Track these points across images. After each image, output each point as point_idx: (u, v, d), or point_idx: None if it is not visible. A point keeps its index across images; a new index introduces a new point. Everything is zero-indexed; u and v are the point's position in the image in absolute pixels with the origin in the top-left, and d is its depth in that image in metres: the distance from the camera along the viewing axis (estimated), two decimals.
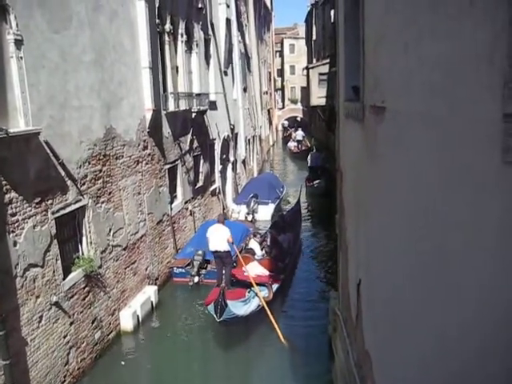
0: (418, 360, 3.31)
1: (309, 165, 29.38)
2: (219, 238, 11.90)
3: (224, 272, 12.15)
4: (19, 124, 7.55)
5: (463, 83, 2.27)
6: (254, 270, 12.02)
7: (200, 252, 13.60)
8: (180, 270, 13.84)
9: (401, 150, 3.55)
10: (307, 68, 41.17)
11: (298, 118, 62.33)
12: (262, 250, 13.90)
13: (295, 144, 43.32)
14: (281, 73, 68.33)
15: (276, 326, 10.66)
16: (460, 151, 2.35)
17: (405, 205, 3.50)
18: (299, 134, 44.63)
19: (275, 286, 12.19)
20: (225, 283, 11.74)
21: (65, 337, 8.76)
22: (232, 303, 10.24)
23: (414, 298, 3.31)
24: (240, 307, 10.60)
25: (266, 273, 12.36)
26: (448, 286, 2.61)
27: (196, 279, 13.49)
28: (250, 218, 19.70)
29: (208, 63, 18.96)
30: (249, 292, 11.47)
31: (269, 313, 10.77)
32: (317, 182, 24.65)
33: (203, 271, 13.71)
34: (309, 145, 41.86)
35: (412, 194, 3.27)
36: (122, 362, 9.87)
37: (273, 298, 11.74)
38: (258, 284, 11.47)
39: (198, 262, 13.55)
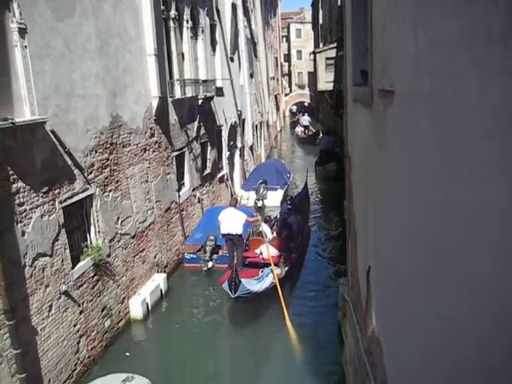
0: (425, 346, 3.28)
1: (320, 148, 29.25)
2: (232, 221, 12.08)
3: (236, 254, 12.34)
4: (25, 113, 7.52)
5: (474, 67, 2.19)
6: (266, 251, 12.19)
7: (212, 237, 13.76)
8: (191, 255, 13.95)
9: (409, 134, 3.47)
10: (314, 53, 40.74)
11: (306, 103, 62.09)
12: (272, 233, 14.04)
13: (302, 129, 43.20)
14: (288, 58, 67.86)
15: (285, 307, 10.85)
16: (469, 137, 2.28)
17: (412, 191, 3.44)
18: (305, 119, 44.56)
19: (288, 265, 12.42)
20: (237, 264, 11.88)
21: (75, 325, 8.80)
22: (246, 280, 10.45)
23: (421, 285, 3.27)
24: (254, 284, 10.78)
25: (278, 253, 12.59)
26: (454, 274, 2.57)
27: (210, 264, 13.59)
28: (259, 204, 19.68)
29: (214, 49, 18.82)
30: (262, 271, 11.67)
31: (280, 293, 10.97)
32: (328, 165, 24.60)
33: (215, 256, 13.84)
34: (314, 130, 41.80)
35: (420, 181, 3.21)
36: (127, 353, 9.84)
37: (284, 278, 11.93)
38: (269, 264, 11.68)
39: (210, 248, 13.70)
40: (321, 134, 37.09)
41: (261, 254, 12.56)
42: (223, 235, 12.42)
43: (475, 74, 2.17)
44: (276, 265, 11.86)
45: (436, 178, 2.84)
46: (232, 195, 19.99)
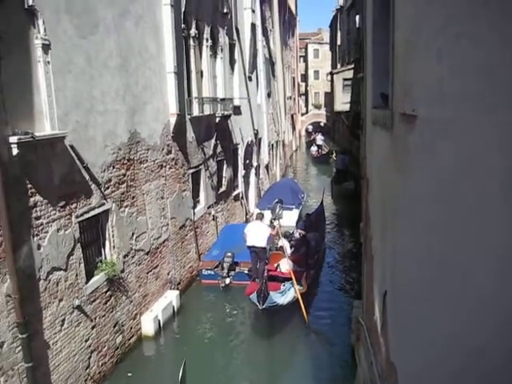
0: (446, 373, 3.20)
1: (336, 167, 29.41)
2: (257, 235, 12.56)
3: (258, 266, 12.70)
4: (45, 128, 7.59)
5: (502, 91, 2.16)
6: (286, 265, 12.41)
7: (229, 254, 13.94)
8: (209, 271, 14.06)
9: (431, 160, 3.43)
10: (331, 73, 40.95)
11: (322, 123, 62.23)
12: (291, 248, 14.18)
13: (316, 148, 43.49)
14: (305, 78, 68.21)
15: (305, 313, 11.34)
16: (495, 162, 2.24)
17: (433, 216, 3.39)
18: (319, 139, 45.05)
19: (308, 281, 12.69)
20: (260, 276, 12.19)
21: (86, 340, 8.77)
22: (273, 293, 10.77)
23: (439, 310, 3.21)
24: (279, 297, 11.11)
25: (298, 268, 12.80)
26: (471, 298, 2.52)
27: (227, 281, 13.69)
28: (276, 223, 19.56)
29: (232, 68, 18.95)
30: (284, 285, 11.91)
31: (302, 304, 11.35)
32: (346, 183, 24.75)
33: (232, 273, 13.92)
34: (327, 149, 42.21)
35: (441, 206, 3.16)
36: (129, 374, 9.70)
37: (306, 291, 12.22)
38: (290, 278, 11.91)
39: (228, 264, 13.84)
40: (334, 154, 37.29)
41: (278, 267, 12.71)
42: (248, 247, 12.74)
43: (503, 99, 2.14)
44: (297, 280, 12.01)
45: (458, 202, 2.80)
46: (246, 214, 19.96)
